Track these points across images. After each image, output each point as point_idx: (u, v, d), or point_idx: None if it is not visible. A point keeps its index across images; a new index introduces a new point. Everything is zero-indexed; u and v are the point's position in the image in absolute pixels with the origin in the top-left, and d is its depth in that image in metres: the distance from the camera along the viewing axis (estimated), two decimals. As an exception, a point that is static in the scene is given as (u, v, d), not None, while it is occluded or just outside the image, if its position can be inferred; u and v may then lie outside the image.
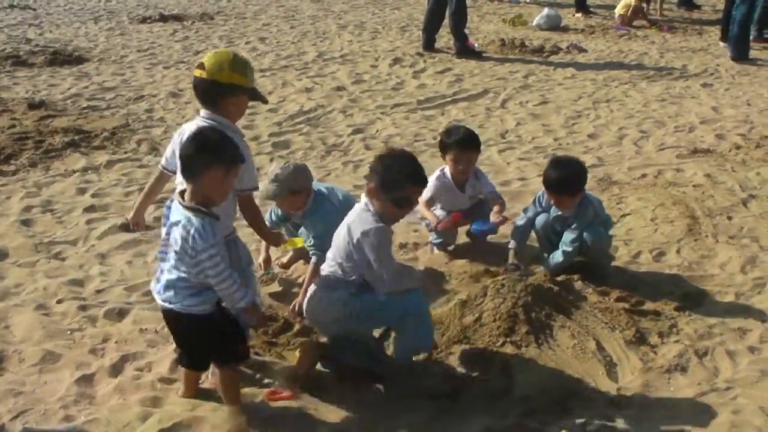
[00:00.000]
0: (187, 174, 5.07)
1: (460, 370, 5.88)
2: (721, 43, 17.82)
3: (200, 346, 5.34)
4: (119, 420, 5.36)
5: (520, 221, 7.50)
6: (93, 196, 9.20)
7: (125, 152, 10.69)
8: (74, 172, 9.92)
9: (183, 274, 5.02)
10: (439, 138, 7.90)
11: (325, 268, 5.86)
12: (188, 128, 5.70)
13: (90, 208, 8.84)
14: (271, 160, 10.08)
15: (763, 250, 7.86)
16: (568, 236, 7.15)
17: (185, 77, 14.57)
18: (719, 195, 9.14)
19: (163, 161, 6.06)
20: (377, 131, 11.64)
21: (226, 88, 5.60)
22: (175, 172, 5.88)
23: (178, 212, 5.02)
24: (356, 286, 5.69)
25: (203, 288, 5.05)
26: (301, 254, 7.41)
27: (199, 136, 5.15)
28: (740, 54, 16.41)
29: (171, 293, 5.10)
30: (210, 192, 5.05)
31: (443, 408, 5.51)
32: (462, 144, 7.58)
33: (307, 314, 5.90)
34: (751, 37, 17.33)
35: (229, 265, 5.06)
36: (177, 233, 4.94)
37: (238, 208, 5.82)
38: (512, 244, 7.44)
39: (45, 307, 6.84)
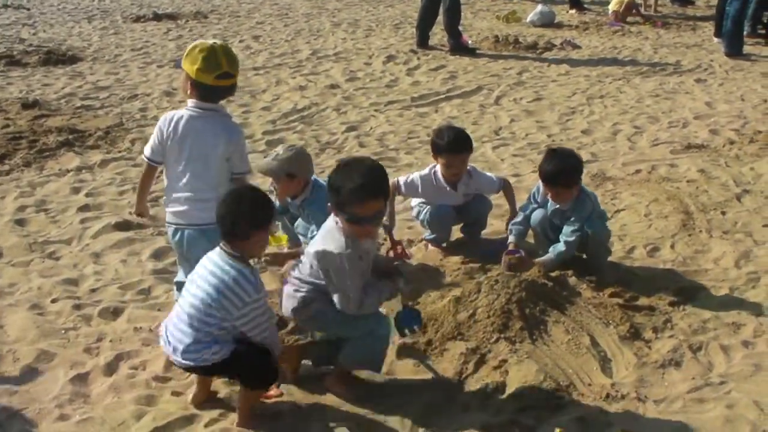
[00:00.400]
0: (232, 236, 5.12)
1: (454, 366, 5.88)
2: (715, 39, 17.83)
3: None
4: (114, 419, 5.37)
5: (517, 218, 7.50)
6: (87, 195, 9.20)
7: (119, 151, 10.69)
8: (68, 171, 9.92)
9: (200, 334, 5.04)
10: (430, 138, 7.87)
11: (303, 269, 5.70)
12: (177, 116, 5.95)
13: (84, 208, 8.83)
14: (265, 157, 10.06)
15: (757, 245, 7.87)
16: (569, 227, 7.13)
17: (179, 76, 14.52)
18: (713, 190, 9.14)
19: (148, 152, 6.13)
20: (371, 129, 11.64)
21: (204, 86, 5.85)
22: (161, 164, 5.97)
23: (217, 270, 5.09)
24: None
25: (220, 339, 5.08)
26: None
27: (244, 196, 5.23)
28: (734, 49, 16.42)
29: (190, 357, 5.08)
30: (255, 251, 5.27)
31: (438, 404, 5.51)
32: (454, 148, 7.54)
33: (283, 310, 5.87)
34: (745, 33, 17.35)
35: None
36: (224, 283, 5.01)
37: None
38: (511, 239, 7.44)
39: (39, 306, 6.84)
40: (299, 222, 7.38)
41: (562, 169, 7.05)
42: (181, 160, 5.91)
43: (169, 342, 5.15)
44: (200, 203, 5.84)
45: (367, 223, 5.30)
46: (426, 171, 7.74)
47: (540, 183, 7.39)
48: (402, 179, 7.76)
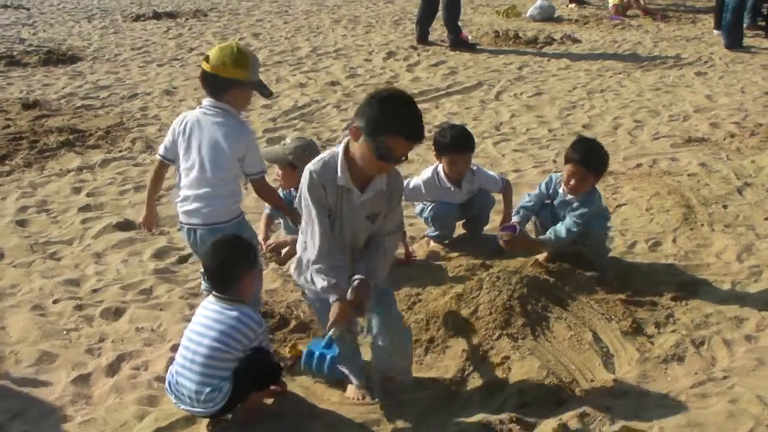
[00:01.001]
0: (223, 282, 5.23)
1: (456, 363, 5.88)
2: (715, 31, 17.85)
3: None
4: (116, 419, 5.36)
5: (526, 202, 7.44)
6: (88, 195, 9.20)
7: (120, 151, 10.69)
8: (69, 171, 9.92)
9: (215, 380, 5.07)
10: (433, 136, 7.85)
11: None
12: (190, 117, 6.04)
13: (85, 208, 8.83)
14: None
15: (759, 238, 7.86)
16: (573, 217, 7.04)
17: (179, 75, 14.60)
18: (714, 183, 9.14)
19: (161, 150, 6.19)
20: (372, 125, 11.61)
21: (229, 82, 5.91)
22: (173, 161, 5.99)
23: (217, 315, 5.16)
24: None
25: (228, 374, 5.13)
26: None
27: (226, 244, 5.33)
28: (734, 42, 16.42)
29: (209, 405, 5.11)
30: (246, 292, 5.32)
31: (440, 401, 5.51)
32: (457, 146, 7.58)
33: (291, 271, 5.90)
34: (745, 25, 17.35)
35: None
36: (230, 326, 5.10)
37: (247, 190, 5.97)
38: (515, 218, 7.38)
39: (41, 307, 6.84)
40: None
41: (599, 157, 7.03)
42: (190, 159, 5.93)
43: (182, 394, 5.16)
44: (210, 202, 5.87)
45: (388, 161, 5.08)
46: (428, 174, 7.73)
47: (553, 174, 7.40)
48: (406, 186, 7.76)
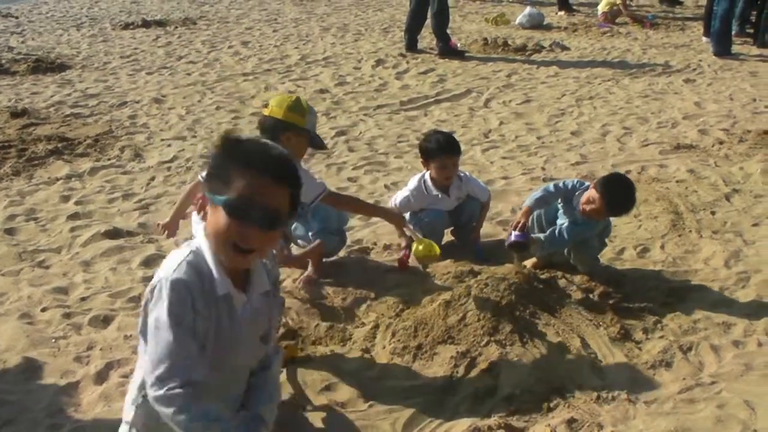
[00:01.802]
0: None
1: (445, 369, 5.88)
2: (704, 39, 17.89)
3: None
4: (105, 427, 5.34)
5: (541, 194, 7.30)
6: (77, 203, 9.19)
7: (109, 159, 10.68)
8: (58, 179, 9.91)
9: None
10: (418, 144, 7.87)
11: None
12: None
13: (74, 216, 8.81)
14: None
15: (747, 245, 7.88)
16: (574, 226, 7.09)
17: (168, 83, 14.60)
18: (702, 190, 9.16)
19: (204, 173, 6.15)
20: (360, 133, 11.65)
21: (285, 125, 6.18)
22: None
23: None
24: None
25: None
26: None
27: None
28: (723, 49, 16.47)
29: None
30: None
31: (428, 408, 5.51)
32: (447, 149, 7.61)
33: None
34: (734, 32, 17.40)
35: None
36: None
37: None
38: (528, 203, 7.32)
39: (29, 315, 6.83)
40: (297, 225, 7.38)
41: (624, 198, 6.93)
42: None
43: None
44: None
45: (247, 220, 3.58)
46: (414, 184, 7.75)
47: (585, 191, 7.08)
48: (395, 200, 7.80)
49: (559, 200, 7.29)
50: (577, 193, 7.16)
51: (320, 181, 6.35)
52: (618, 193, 6.91)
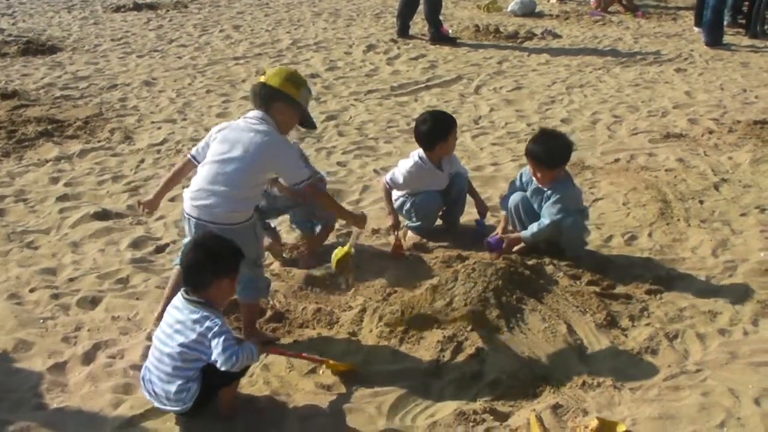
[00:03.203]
0: (193, 284, 5.19)
1: (431, 354, 5.90)
2: (695, 29, 17.87)
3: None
4: (91, 407, 5.38)
5: (506, 199, 7.61)
6: (66, 185, 9.19)
7: (98, 141, 10.67)
8: (47, 161, 9.90)
9: (181, 381, 5.08)
10: (417, 131, 7.81)
11: None
12: (228, 127, 6.03)
13: (63, 197, 8.82)
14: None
15: (734, 234, 7.90)
16: (549, 211, 7.15)
17: (159, 66, 14.57)
18: (691, 179, 9.17)
19: (194, 150, 6.16)
20: (351, 118, 11.64)
21: (279, 94, 5.96)
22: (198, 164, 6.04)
23: (181, 317, 5.15)
24: None
25: (195, 374, 5.10)
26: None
27: (204, 246, 5.26)
28: (714, 39, 16.46)
29: (177, 405, 5.13)
30: (218, 300, 5.27)
31: (414, 392, 5.52)
32: (451, 126, 7.78)
33: None
34: (725, 23, 17.39)
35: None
36: (191, 328, 5.07)
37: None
38: (504, 213, 7.64)
39: (17, 296, 6.85)
40: (296, 212, 7.37)
41: (546, 149, 7.13)
42: (217, 153, 5.86)
43: (154, 393, 5.20)
44: (225, 203, 5.75)
45: None
46: (411, 162, 7.75)
47: (525, 168, 7.49)
48: (391, 177, 7.81)
49: (529, 193, 7.44)
50: (527, 177, 7.45)
51: (306, 169, 6.20)
52: (538, 142, 7.24)
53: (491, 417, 5.24)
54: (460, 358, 5.81)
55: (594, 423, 5.08)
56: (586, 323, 6.27)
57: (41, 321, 6.46)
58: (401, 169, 7.81)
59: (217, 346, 4.97)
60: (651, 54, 15.82)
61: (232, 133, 5.92)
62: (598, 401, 5.41)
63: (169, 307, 5.28)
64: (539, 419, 5.14)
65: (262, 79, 6.03)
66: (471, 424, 5.20)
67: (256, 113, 5.96)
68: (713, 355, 5.96)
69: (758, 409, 5.32)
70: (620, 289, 6.84)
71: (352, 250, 6.83)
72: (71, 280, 7.15)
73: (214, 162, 5.84)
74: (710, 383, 5.59)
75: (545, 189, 7.23)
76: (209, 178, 5.80)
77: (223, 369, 4.97)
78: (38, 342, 6.16)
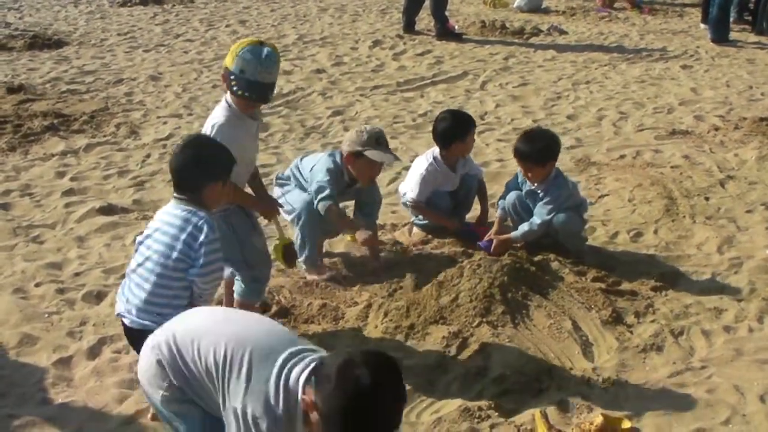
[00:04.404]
0: (182, 187, 5.05)
1: (436, 350, 5.90)
2: (702, 25, 17.84)
3: None
4: (96, 402, 5.39)
5: (503, 200, 7.63)
6: (72, 179, 9.20)
7: (104, 136, 10.68)
8: (53, 155, 9.91)
9: (160, 288, 4.90)
10: (437, 129, 7.77)
11: None
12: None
13: (68, 192, 8.83)
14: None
15: (740, 231, 7.90)
16: (542, 210, 7.19)
17: (165, 60, 14.58)
18: (697, 176, 9.17)
19: None
20: (356, 113, 11.64)
21: (226, 72, 5.71)
22: None
23: (170, 218, 4.99)
24: None
25: (179, 303, 4.92)
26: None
27: (194, 148, 5.14)
28: (720, 36, 16.43)
29: (147, 315, 4.90)
30: (210, 204, 5.11)
31: (419, 388, 5.53)
32: (471, 125, 7.77)
33: None
34: (732, 19, 17.35)
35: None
36: (178, 236, 4.90)
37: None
38: (499, 213, 7.64)
39: (23, 290, 6.86)
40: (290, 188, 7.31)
41: (532, 146, 7.16)
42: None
43: (127, 300, 5.00)
44: None
45: None
46: (425, 165, 7.69)
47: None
48: (412, 197, 7.72)
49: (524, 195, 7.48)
50: (521, 178, 7.49)
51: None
52: (523, 140, 7.29)
53: (496, 413, 5.24)
54: (466, 354, 5.83)
55: (599, 419, 5.08)
56: (592, 319, 6.27)
57: (46, 315, 6.48)
58: (414, 179, 7.73)
59: (201, 257, 4.89)
60: (657, 50, 15.80)
61: None
62: (603, 397, 5.42)
63: (158, 212, 5.16)
64: (544, 416, 5.14)
65: None
66: (476, 420, 5.20)
67: (225, 98, 5.83)
68: (718, 352, 5.96)
69: (763, 406, 5.34)
70: (626, 286, 6.84)
71: (288, 238, 6.67)
72: (77, 274, 7.16)
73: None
74: (715, 380, 5.60)
75: (539, 191, 7.26)
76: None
77: (197, 289, 4.92)
78: (43, 336, 6.17)
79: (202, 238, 4.88)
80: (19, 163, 9.64)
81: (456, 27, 17.29)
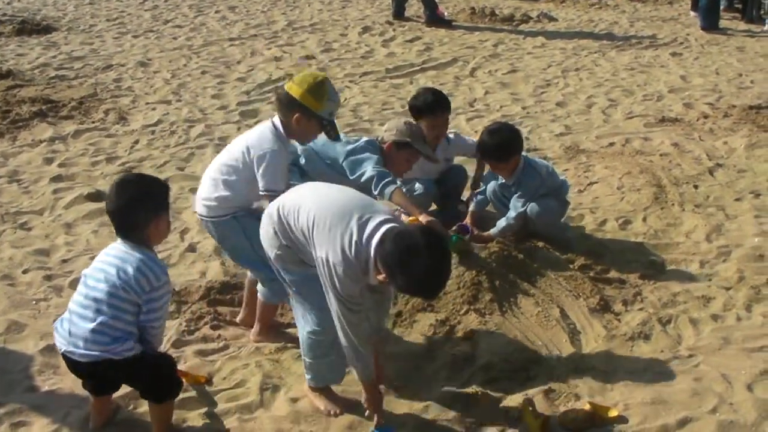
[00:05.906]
0: (125, 230, 4.92)
1: (424, 338, 5.90)
2: (692, 13, 17.84)
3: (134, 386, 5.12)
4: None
5: (481, 191, 7.67)
6: (60, 165, 9.17)
7: (93, 122, 10.65)
8: (41, 141, 9.88)
9: (106, 319, 4.73)
10: (410, 101, 7.79)
11: None
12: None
13: (57, 178, 8.81)
14: (239, 129, 10.03)
15: (729, 219, 7.90)
16: (516, 202, 7.23)
17: (154, 46, 14.53)
18: (686, 164, 9.17)
19: None
20: (345, 100, 11.59)
21: (295, 103, 5.72)
22: None
23: (121, 254, 4.87)
24: None
25: (129, 333, 4.79)
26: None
27: (131, 188, 4.97)
28: (710, 23, 16.42)
29: (96, 346, 4.74)
30: (155, 238, 5.03)
31: (406, 375, 5.53)
32: (436, 107, 7.54)
33: None
34: (722, 7, 17.35)
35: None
36: (130, 272, 4.75)
37: None
38: (472, 207, 7.67)
39: (10, 277, 6.84)
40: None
41: (491, 144, 7.17)
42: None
43: (69, 333, 4.84)
44: (203, 190, 5.88)
45: None
46: None
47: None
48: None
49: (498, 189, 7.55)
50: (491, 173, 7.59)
51: (279, 184, 5.79)
52: (482, 138, 7.32)
53: (484, 400, 5.24)
54: (453, 341, 5.83)
55: (586, 407, 5.10)
56: (579, 307, 6.28)
57: (34, 302, 6.47)
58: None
59: (154, 302, 4.82)
60: (647, 38, 15.79)
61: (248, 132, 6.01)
62: (590, 386, 5.42)
63: (102, 252, 5.01)
64: (531, 404, 5.14)
65: (287, 86, 5.81)
66: (464, 407, 5.20)
67: (273, 121, 5.85)
68: (706, 340, 5.97)
69: (750, 394, 5.34)
70: (614, 274, 6.85)
71: None
72: (64, 261, 7.15)
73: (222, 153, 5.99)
74: (703, 368, 5.60)
75: (510, 185, 7.30)
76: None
77: (149, 331, 4.87)
78: (31, 324, 6.16)
79: (155, 282, 4.80)
80: (6, 150, 9.61)
81: (445, 13, 17.27)
